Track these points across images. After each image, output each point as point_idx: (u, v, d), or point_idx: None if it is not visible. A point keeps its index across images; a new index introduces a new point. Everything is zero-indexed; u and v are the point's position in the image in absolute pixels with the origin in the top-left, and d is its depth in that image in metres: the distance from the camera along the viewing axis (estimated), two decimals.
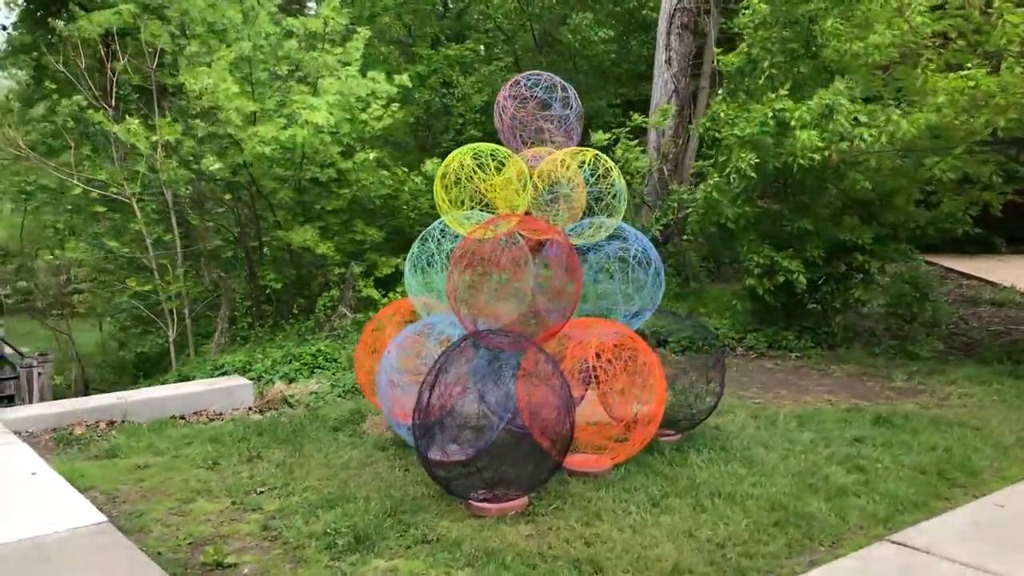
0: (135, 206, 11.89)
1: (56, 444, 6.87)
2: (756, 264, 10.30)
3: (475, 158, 5.87)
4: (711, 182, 10.37)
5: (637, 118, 12.81)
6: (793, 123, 9.23)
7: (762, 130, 9.56)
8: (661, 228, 12.94)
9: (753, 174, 9.67)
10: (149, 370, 13.80)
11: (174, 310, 11.96)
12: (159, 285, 13.99)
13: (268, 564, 4.51)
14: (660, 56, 14.56)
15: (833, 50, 9.69)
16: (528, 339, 5.46)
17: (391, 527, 4.90)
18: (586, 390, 6.71)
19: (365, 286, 11.92)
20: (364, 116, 12.47)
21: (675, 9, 14.38)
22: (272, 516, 5.18)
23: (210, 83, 10.05)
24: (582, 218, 6.06)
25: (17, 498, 5.28)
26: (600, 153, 6.05)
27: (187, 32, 11.81)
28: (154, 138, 10.87)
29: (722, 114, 10.26)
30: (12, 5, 20.03)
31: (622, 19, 17.39)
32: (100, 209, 14.07)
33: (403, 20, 19.43)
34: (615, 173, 5.97)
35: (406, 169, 13.51)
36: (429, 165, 13.83)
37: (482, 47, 18.20)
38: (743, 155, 9.65)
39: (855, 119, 9.38)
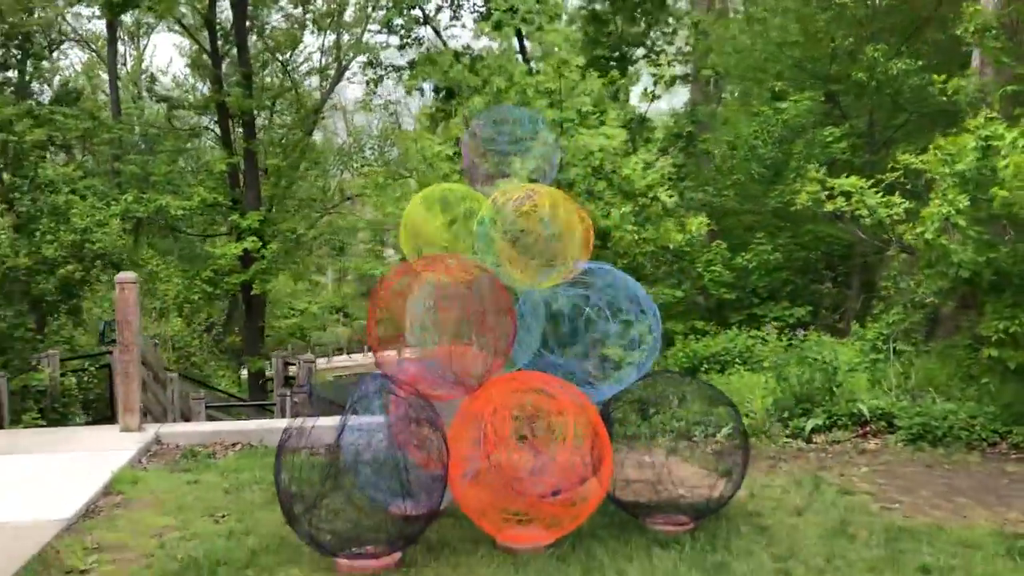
0: None
1: (180, 457, 7.97)
2: (996, 331, 7.87)
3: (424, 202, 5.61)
4: (927, 220, 8.09)
5: (904, 158, 10.65)
6: (1002, 147, 6.99)
7: (978, 162, 7.38)
8: (936, 289, 10.48)
9: (962, 222, 7.46)
10: None
11: None
12: None
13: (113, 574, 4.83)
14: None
15: None
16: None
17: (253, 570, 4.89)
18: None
19: None
20: (627, 171, 12.39)
21: None
22: (183, 537, 5.46)
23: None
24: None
25: (34, 489, 6.39)
26: (544, 187, 5.32)
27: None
28: None
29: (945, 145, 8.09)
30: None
31: (943, 49, 14.59)
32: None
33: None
34: (547, 208, 5.15)
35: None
36: (692, 224, 13.29)
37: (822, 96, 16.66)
38: (950, 197, 7.52)
39: None
